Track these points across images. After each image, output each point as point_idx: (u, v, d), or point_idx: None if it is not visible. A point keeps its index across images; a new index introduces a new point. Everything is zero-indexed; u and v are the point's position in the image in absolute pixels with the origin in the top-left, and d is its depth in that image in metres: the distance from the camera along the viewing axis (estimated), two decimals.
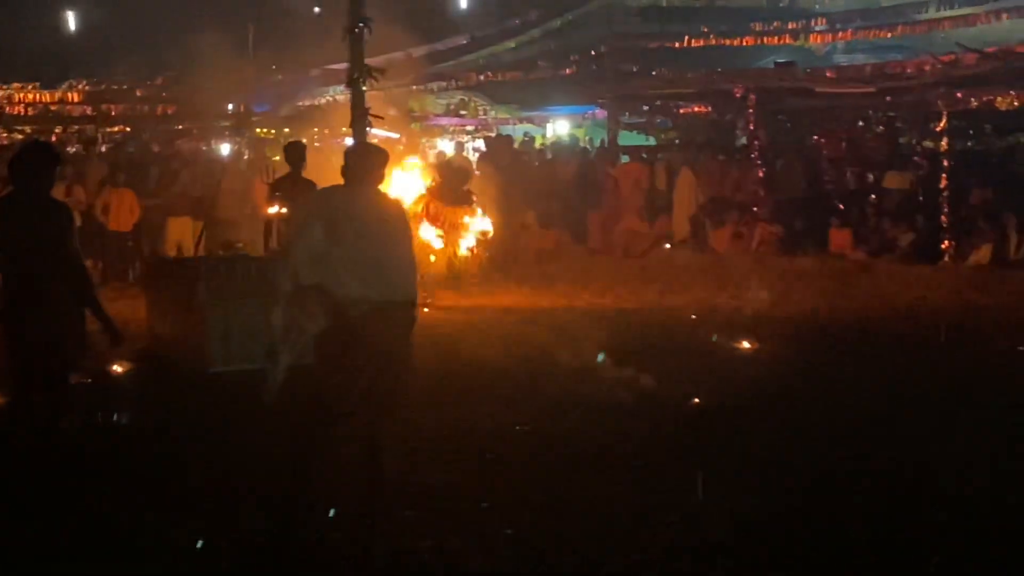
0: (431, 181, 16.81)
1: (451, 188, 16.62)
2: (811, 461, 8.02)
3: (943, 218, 17.48)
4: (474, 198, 16.75)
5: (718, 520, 6.81)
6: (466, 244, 16.59)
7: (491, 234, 16.92)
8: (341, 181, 6.96)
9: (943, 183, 17.63)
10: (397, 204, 7.39)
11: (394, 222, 6.90)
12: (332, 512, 6.74)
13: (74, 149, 24.61)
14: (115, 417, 9.42)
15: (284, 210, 12.35)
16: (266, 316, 9.63)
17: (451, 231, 16.35)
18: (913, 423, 9.00)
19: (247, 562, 6.40)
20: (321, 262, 6.58)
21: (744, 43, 28.87)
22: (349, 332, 6.57)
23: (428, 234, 16.11)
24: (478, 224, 16.67)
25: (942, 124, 18.06)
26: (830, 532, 6.70)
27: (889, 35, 26.12)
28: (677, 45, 28.74)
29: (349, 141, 16.07)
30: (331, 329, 6.60)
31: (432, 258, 16.10)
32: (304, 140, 24.34)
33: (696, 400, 9.79)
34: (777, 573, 6.25)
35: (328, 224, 6.62)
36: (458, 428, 8.97)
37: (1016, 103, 19.16)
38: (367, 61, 15.56)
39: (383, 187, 7.23)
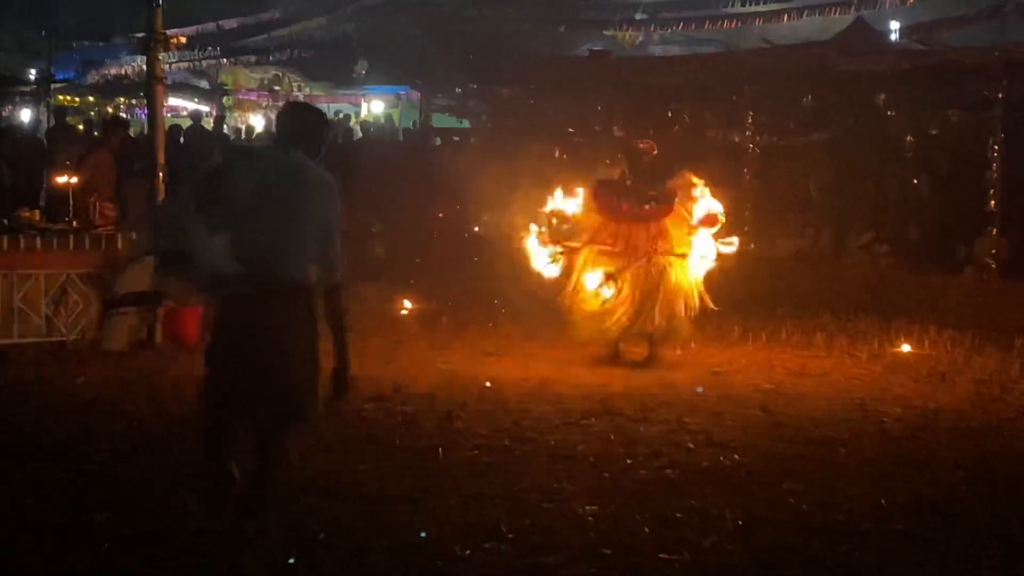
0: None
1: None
2: None
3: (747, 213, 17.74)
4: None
5: None
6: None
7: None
8: None
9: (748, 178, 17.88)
10: (318, 174, 5.81)
11: (305, 193, 5.75)
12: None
13: None
14: None
15: (74, 180, 12.01)
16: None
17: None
18: None
19: None
20: (196, 228, 5.53)
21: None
22: (228, 315, 5.72)
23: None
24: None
25: (749, 119, 18.30)
26: None
27: (700, 28, 26.53)
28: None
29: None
30: (217, 309, 5.77)
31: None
32: (110, 109, 23.61)
33: None
34: None
35: (218, 187, 5.60)
36: None
37: (813, 101, 19.56)
38: (175, 31, 15.21)
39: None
